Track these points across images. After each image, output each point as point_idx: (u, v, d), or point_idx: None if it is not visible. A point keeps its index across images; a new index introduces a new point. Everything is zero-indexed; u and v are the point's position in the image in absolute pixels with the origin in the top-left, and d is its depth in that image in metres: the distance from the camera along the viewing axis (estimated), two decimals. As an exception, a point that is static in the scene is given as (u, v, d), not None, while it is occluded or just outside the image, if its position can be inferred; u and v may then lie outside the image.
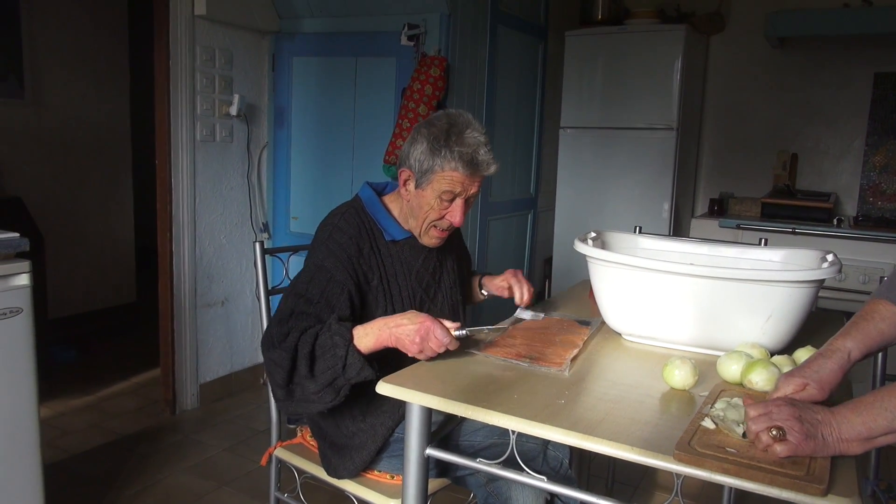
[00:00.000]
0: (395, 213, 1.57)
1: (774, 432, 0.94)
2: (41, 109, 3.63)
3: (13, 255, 1.71)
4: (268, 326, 1.43)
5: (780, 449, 0.94)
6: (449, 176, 1.43)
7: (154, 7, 2.80)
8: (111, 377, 3.38)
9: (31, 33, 3.52)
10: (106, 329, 3.98)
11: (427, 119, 1.50)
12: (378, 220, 1.54)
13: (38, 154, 3.62)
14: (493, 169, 1.46)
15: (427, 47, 2.86)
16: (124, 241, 4.16)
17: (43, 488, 1.79)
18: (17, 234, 1.70)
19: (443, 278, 1.63)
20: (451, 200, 1.47)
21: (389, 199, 1.59)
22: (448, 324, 1.32)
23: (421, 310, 1.52)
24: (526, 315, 1.68)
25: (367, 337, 1.31)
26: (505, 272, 1.74)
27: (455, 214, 1.48)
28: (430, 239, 1.53)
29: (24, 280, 1.70)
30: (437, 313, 1.55)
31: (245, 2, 3.01)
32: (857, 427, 0.93)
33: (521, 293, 1.66)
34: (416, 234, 1.54)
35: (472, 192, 1.48)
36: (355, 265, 1.45)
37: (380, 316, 1.39)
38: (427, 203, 1.47)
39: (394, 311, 1.47)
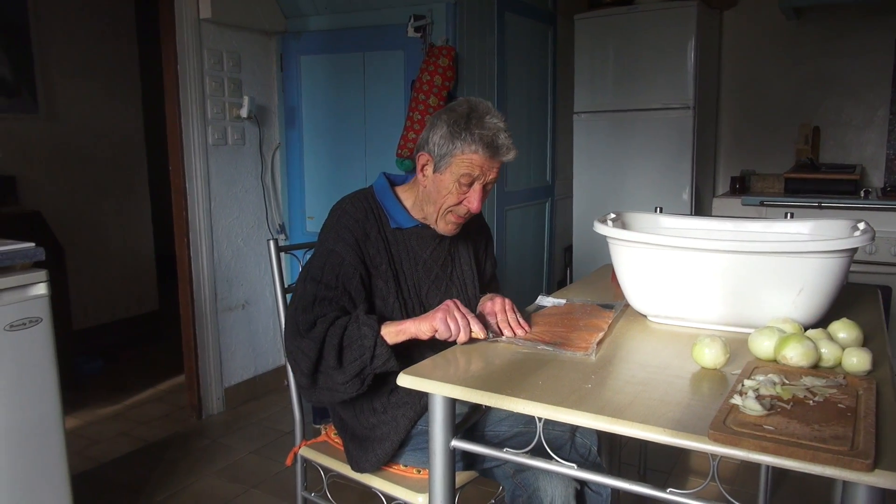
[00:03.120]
0: (408, 203, 1.55)
1: None
2: (55, 123, 3.65)
3: (30, 266, 1.71)
4: (290, 314, 1.43)
5: None
6: (468, 159, 1.41)
7: (160, 13, 2.80)
8: (138, 385, 3.40)
9: (41, 47, 3.55)
10: (130, 338, 4.01)
11: (447, 106, 1.49)
12: (386, 206, 1.52)
13: (55, 167, 3.65)
14: (512, 155, 1.45)
15: (434, 38, 2.83)
16: (144, 249, 4.18)
17: (72, 498, 1.79)
18: (32, 244, 1.70)
19: (454, 272, 1.59)
20: (470, 185, 1.44)
21: (402, 189, 1.58)
22: (475, 328, 1.33)
23: (429, 301, 1.53)
24: (547, 302, 1.64)
25: (391, 327, 1.35)
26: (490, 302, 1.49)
27: (473, 200, 1.45)
28: (447, 225, 1.50)
29: (41, 290, 1.70)
30: None
31: (250, 3, 2.99)
32: None
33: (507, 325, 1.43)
34: (431, 220, 1.51)
35: (490, 177, 1.45)
36: (363, 248, 1.45)
37: (389, 302, 1.44)
38: (445, 187, 1.44)
39: (401, 299, 1.47)
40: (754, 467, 2.14)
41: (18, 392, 1.65)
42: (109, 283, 3.95)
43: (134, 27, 4.05)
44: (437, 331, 1.32)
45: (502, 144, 1.43)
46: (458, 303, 1.35)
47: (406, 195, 1.56)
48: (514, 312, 1.44)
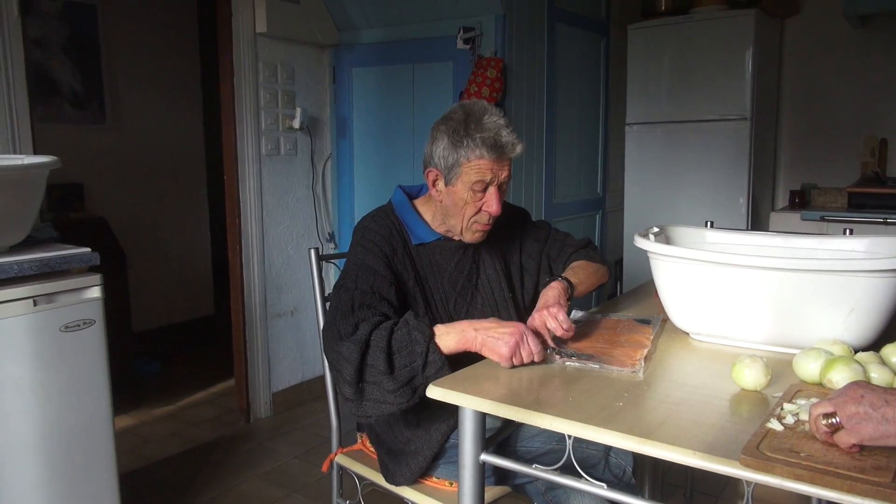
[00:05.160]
0: (427, 215, 1.54)
1: (825, 420, 0.87)
2: (121, 133, 3.82)
3: (86, 270, 1.78)
4: (329, 322, 1.37)
5: (839, 437, 0.86)
6: (476, 165, 1.39)
7: (218, 27, 2.90)
8: (191, 387, 3.50)
9: (110, 61, 3.72)
10: (186, 341, 4.14)
11: (443, 116, 1.47)
12: (407, 222, 1.51)
13: (120, 176, 3.81)
14: (518, 149, 1.41)
15: (483, 49, 2.83)
16: (202, 256, 4.32)
17: (119, 496, 1.85)
18: (88, 249, 1.77)
19: (480, 280, 1.56)
20: (484, 190, 1.42)
21: (421, 202, 1.56)
22: (538, 358, 1.28)
23: (457, 313, 1.50)
24: (578, 315, 1.61)
25: (449, 336, 1.28)
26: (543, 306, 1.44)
27: (491, 204, 1.43)
28: (474, 234, 1.49)
29: (95, 293, 1.77)
30: (476, 315, 1.51)
31: (304, 17, 3.07)
32: None
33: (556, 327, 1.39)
34: (456, 233, 1.50)
35: (502, 177, 1.43)
36: (391, 263, 1.43)
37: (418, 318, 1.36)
38: (460, 198, 1.43)
39: (430, 315, 1.44)
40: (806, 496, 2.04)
41: (71, 391, 1.73)
42: (168, 288, 4.09)
43: (196, 42, 4.21)
44: (503, 358, 1.25)
45: (507, 142, 1.39)
46: (529, 332, 1.28)
47: (425, 208, 1.55)
48: (562, 311, 1.37)
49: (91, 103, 3.68)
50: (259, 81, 2.96)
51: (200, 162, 4.28)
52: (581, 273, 1.57)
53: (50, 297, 1.68)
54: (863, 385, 0.90)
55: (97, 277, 1.78)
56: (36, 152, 2.16)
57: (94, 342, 1.76)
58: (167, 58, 4.01)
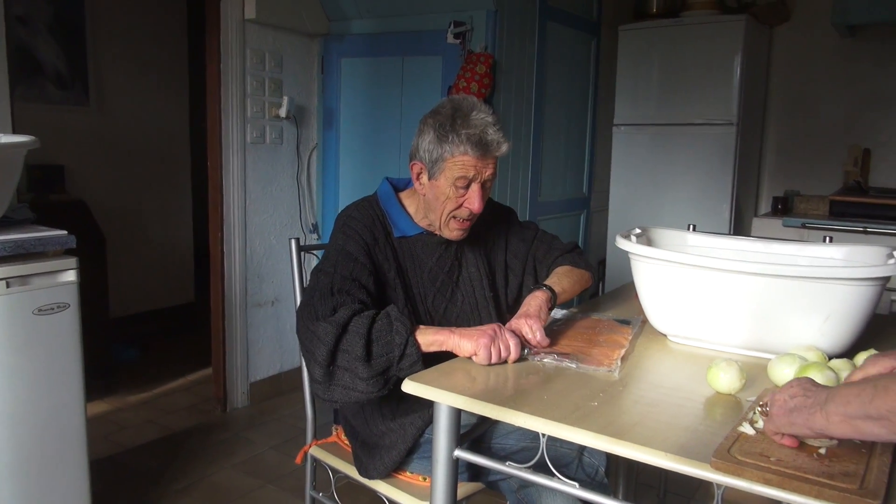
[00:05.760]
0: (411, 209, 1.53)
1: (761, 407, 0.92)
2: (104, 116, 3.77)
3: (62, 252, 1.75)
4: (305, 301, 1.36)
5: (765, 424, 0.91)
6: (460, 161, 1.39)
7: (206, 12, 2.86)
8: (168, 375, 3.47)
9: (95, 42, 3.67)
10: (165, 328, 4.10)
11: (432, 109, 1.46)
12: (390, 214, 1.51)
13: (102, 158, 3.76)
14: (504, 148, 1.41)
15: (473, 44, 2.82)
16: (183, 242, 4.28)
17: (89, 482, 1.83)
18: (64, 232, 1.75)
19: (461, 277, 1.56)
20: (467, 187, 1.42)
21: (406, 195, 1.56)
22: (514, 355, 1.29)
23: (435, 309, 1.50)
24: (559, 314, 1.61)
25: (428, 331, 1.30)
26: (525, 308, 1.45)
27: (473, 201, 1.42)
28: (452, 231, 1.48)
29: (71, 276, 1.74)
30: (455, 313, 1.52)
31: (294, 5, 3.04)
32: (844, 399, 0.83)
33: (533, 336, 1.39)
34: (436, 228, 1.50)
35: (486, 175, 1.42)
36: (372, 252, 1.43)
37: None
38: (442, 193, 1.42)
39: (409, 308, 1.44)
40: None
41: (42, 375, 1.70)
42: (148, 274, 4.05)
43: (185, 25, 4.16)
44: (476, 356, 1.27)
45: (492, 140, 1.39)
46: (504, 330, 1.30)
47: (409, 201, 1.54)
48: (538, 323, 1.38)
49: (75, 84, 3.63)
50: (246, 68, 2.93)
51: (185, 147, 4.24)
52: (565, 280, 1.57)
53: (23, 279, 1.65)
54: (803, 380, 0.93)
55: (73, 261, 1.75)
56: (15, 132, 2.12)
57: (67, 326, 1.74)
58: (154, 40, 3.96)
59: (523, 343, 1.34)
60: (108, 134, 3.79)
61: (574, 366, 1.28)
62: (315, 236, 3.35)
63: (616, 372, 1.26)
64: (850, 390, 0.83)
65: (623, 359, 1.33)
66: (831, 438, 0.88)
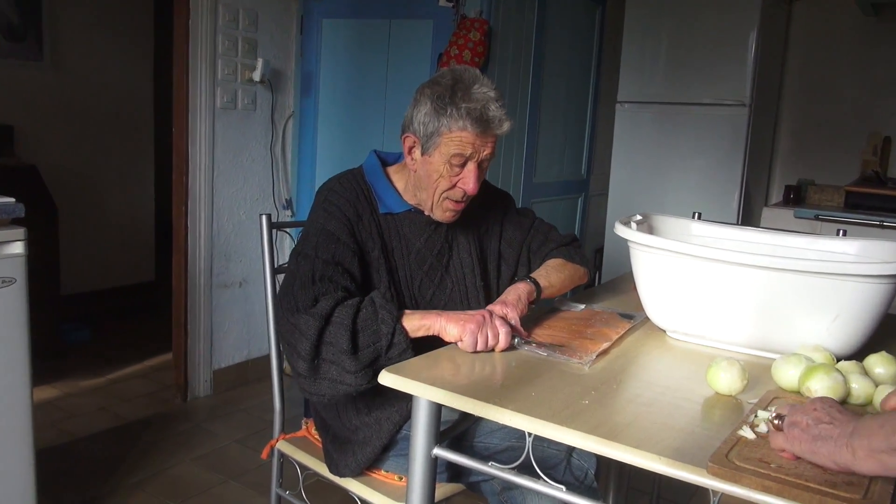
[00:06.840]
0: (399, 185, 1.53)
1: (777, 420, 0.92)
2: (60, 73, 3.71)
3: (8, 222, 1.73)
4: (285, 290, 1.36)
5: (772, 435, 0.92)
6: (457, 137, 1.38)
7: (174, -38, 2.82)
8: (124, 359, 3.45)
9: (51, -9, 3.61)
10: (122, 308, 4.08)
11: (431, 79, 1.45)
12: (376, 189, 1.50)
13: (56, 120, 3.71)
14: (506, 126, 1.40)
15: (467, 9, 2.81)
16: (144, 215, 4.24)
17: (34, 473, 1.82)
18: (12, 200, 1.72)
19: (451, 262, 1.56)
20: (463, 165, 1.41)
21: (394, 170, 1.55)
22: (503, 344, 1.30)
23: (422, 295, 1.50)
24: (566, 307, 1.62)
25: (414, 316, 1.31)
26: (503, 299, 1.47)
27: (468, 181, 1.42)
28: (444, 212, 1.48)
29: (18, 248, 1.72)
30: (443, 301, 1.52)
31: (272, -42, 3.00)
32: (868, 430, 0.82)
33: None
34: (427, 208, 1.49)
35: (484, 154, 1.42)
36: (356, 230, 1.43)
37: (380, 293, 1.37)
38: (436, 170, 1.42)
39: (392, 291, 1.44)
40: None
41: (-15, 355, 1.68)
42: (104, 249, 4.02)
43: (150, -24, 4.10)
44: (462, 341, 1.29)
45: (493, 116, 1.38)
46: (495, 316, 1.32)
47: (398, 177, 1.54)
48: (514, 312, 1.39)
49: (27, 36, 3.56)
50: (218, 25, 2.90)
51: (148, 110, 4.19)
52: (554, 275, 1.58)
53: (-35, 249, 1.63)
54: (826, 401, 0.92)
55: (21, 231, 1.73)
56: (-42, 86, 2.09)
57: (13, 303, 1.72)
58: (116, -8, 3.90)
59: (514, 332, 1.35)
60: (64, 93, 3.73)
61: (545, 354, 1.30)
62: (289, 213, 3.34)
63: (587, 365, 1.27)
64: (874, 421, 0.82)
65: (604, 353, 1.34)
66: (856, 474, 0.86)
